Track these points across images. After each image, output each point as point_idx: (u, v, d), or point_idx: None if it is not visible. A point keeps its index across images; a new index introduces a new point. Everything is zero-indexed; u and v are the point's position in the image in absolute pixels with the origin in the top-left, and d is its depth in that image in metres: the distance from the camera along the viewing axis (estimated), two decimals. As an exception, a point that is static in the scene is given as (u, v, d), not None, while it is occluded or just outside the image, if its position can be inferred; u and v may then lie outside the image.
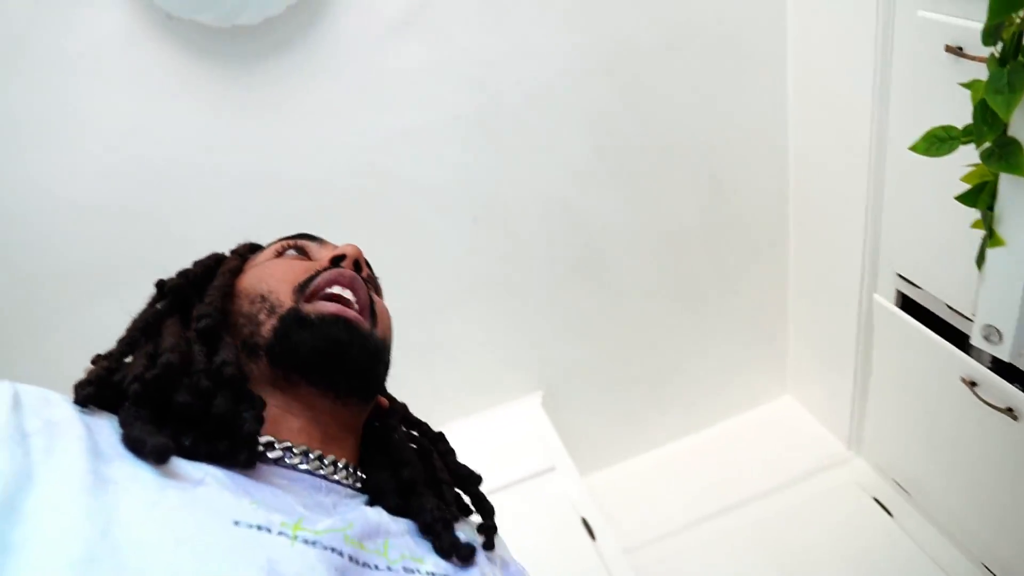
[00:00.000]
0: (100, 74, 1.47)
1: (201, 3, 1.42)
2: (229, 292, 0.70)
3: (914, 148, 1.22)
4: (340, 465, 0.64)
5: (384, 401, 0.82)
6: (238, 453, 0.56)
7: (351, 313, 0.66)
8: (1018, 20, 1.06)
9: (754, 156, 1.94)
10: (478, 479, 0.81)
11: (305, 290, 0.67)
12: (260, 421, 0.58)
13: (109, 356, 0.62)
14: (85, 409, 0.54)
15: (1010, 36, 1.07)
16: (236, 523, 0.48)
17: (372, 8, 1.54)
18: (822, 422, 2.27)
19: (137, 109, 1.51)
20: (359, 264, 0.74)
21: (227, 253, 0.80)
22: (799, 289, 2.14)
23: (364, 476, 0.68)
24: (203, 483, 0.51)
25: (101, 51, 1.45)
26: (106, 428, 0.52)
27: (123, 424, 0.52)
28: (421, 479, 0.73)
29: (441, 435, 0.84)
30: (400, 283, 1.79)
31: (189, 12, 1.44)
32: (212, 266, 0.76)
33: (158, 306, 0.70)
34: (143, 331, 0.65)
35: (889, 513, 1.98)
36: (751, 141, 1.91)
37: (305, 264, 0.73)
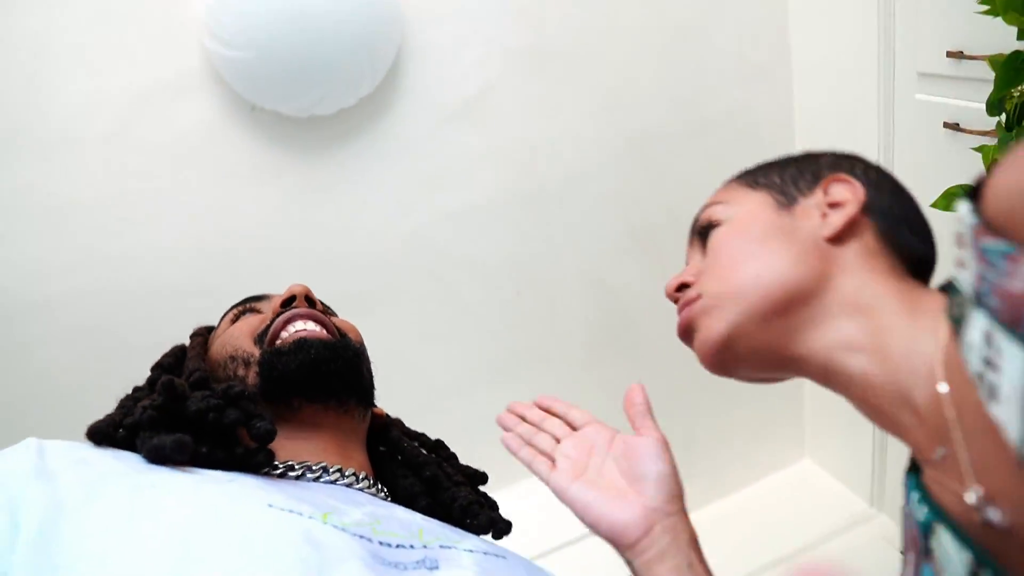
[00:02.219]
0: (187, 159, 1.59)
1: (284, 95, 1.57)
2: (204, 359, 0.74)
3: (935, 205, 1.40)
4: (361, 476, 0.66)
5: (381, 411, 0.86)
6: (256, 454, 0.59)
7: (316, 332, 0.70)
8: (1017, 93, 1.26)
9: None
10: (484, 477, 0.87)
11: (264, 337, 0.71)
12: (273, 426, 0.60)
13: (130, 399, 0.65)
14: (109, 447, 0.57)
15: (1012, 107, 1.26)
16: (270, 506, 0.50)
17: (434, 99, 1.71)
18: (843, 482, 2.35)
19: (220, 193, 1.63)
20: (311, 300, 0.77)
21: (186, 343, 0.83)
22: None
23: (386, 489, 0.71)
24: (234, 480, 0.54)
25: (189, 138, 1.58)
26: (132, 456, 0.55)
27: (142, 444, 0.55)
28: (443, 475, 0.78)
29: (440, 442, 0.89)
30: (445, 353, 1.90)
31: (272, 104, 1.58)
32: (179, 353, 0.79)
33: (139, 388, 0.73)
34: (131, 397, 0.68)
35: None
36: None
37: (259, 317, 0.77)
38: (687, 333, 0.70)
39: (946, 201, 1.41)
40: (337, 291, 1.75)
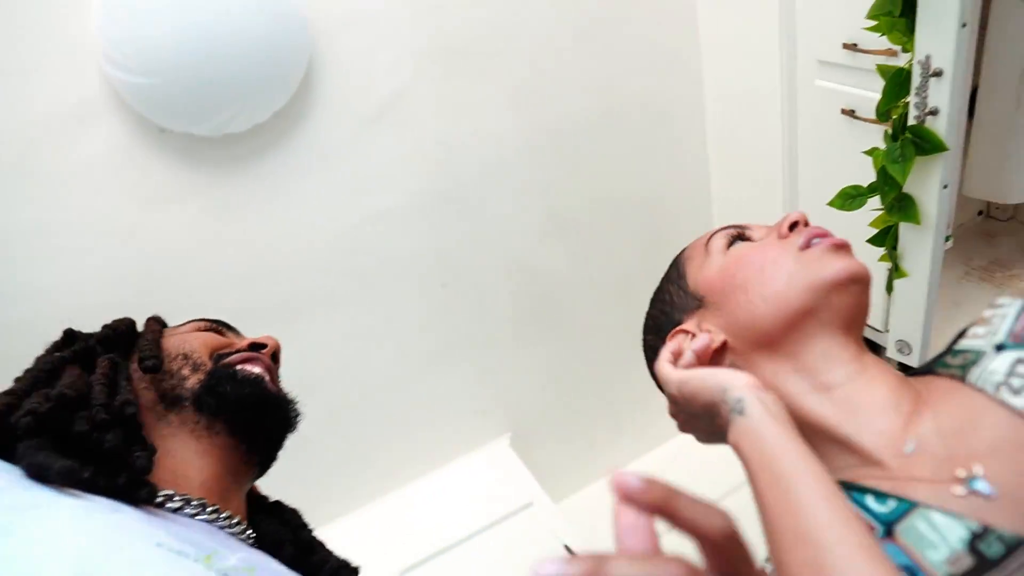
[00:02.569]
0: (97, 186, 1.55)
1: (194, 118, 1.54)
2: (159, 346, 0.75)
3: (831, 204, 1.50)
4: (235, 521, 0.67)
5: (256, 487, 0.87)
6: (138, 487, 0.57)
7: (271, 384, 0.74)
8: (902, 104, 1.34)
9: (683, 211, 2.20)
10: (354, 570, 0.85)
11: (223, 359, 0.73)
12: (151, 460, 0.60)
13: (5, 395, 0.62)
14: None
15: (898, 116, 1.35)
16: (159, 544, 0.49)
17: (349, 106, 1.70)
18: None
19: (133, 217, 1.61)
20: (276, 357, 0.80)
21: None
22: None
23: (255, 535, 0.72)
24: (120, 511, 0.52)
25: (96, 165, 1.54)
26: (7, 466, 0.53)
27: (23, 456, 0.52)
28: (317, 542, 0.80)
29: (296, 511, 0.88)
30: (378, 349, 1.95)
31: (183, 126, 1.55)
32: (131, 325, 0.81)
33: (60, 353, 0.73)
34: (44, 372, 0.67)
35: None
36: (680, 198, 2.18)
37: (225, 339, 0.80)
38: (846, 247, 0.75)
39: (840, 200, 1.50)
40: (266, 301, 1.78)
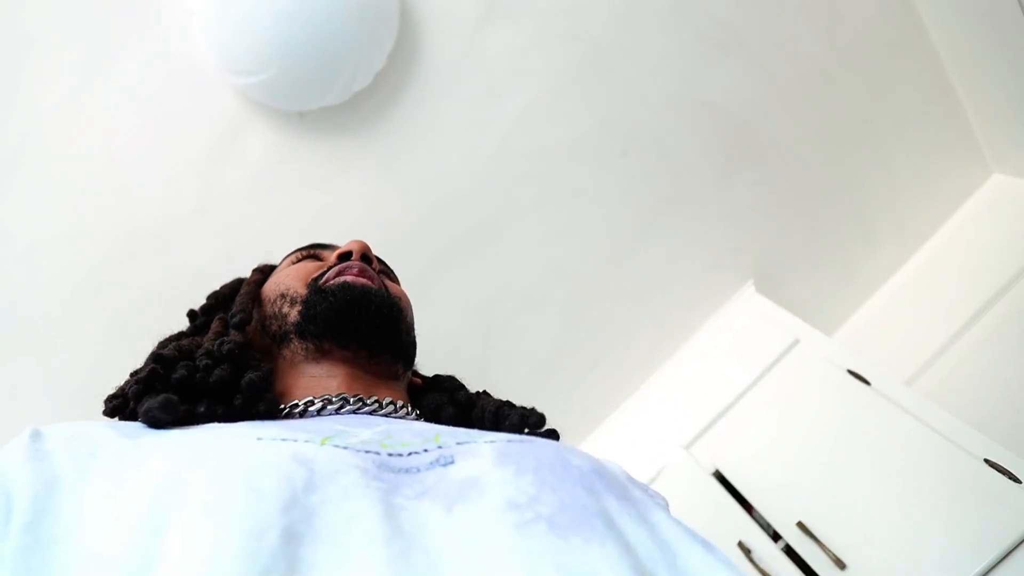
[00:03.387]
0: (268, 187, 1.66)
1: (320, 90, 1.57)
2: (255, 298, 0.77)
3: None
4: (385, 402, 0.66)
5: (418, 380, 0.85)
6: (254, 404, 0.60)
7: (361, 280, 0.72)
8: None
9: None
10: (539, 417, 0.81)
11: (317, 283, 0.73)
12: (266, 375, 0.62)
13: (135, 373, 0.66)
14: (110, 420, 0.58)
15: None
16: (259, 439, 0.49)
17: (456, 15, 1.65)
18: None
19: (316, 200, 1.70)
20: (368, 257, 0.77)
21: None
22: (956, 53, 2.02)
23: (418, 411, 0.71)
24: (226, 426, 0.54)
25: (264, 169, 1.65)
26: (130, 424, 0.56)
27: (138, 414, 0.56)
28: (476, 395, 0.78)
29: (452, 377, 0.86)
30: (581, 243, 1.90)
31: (316, 102, 1.60)
32: (236, 285, 0.84)
33: (182, 331, 0.78)
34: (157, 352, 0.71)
35: None
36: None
37: (316, 264, 0.79)
38: None
39: None
40: (453, 236, 1.80)
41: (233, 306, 0.75)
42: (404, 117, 1.69)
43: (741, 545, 1.62)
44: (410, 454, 0.50)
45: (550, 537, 0.41)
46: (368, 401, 0.65)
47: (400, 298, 0.76)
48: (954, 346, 2.00)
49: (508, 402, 0.72)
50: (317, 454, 0.46)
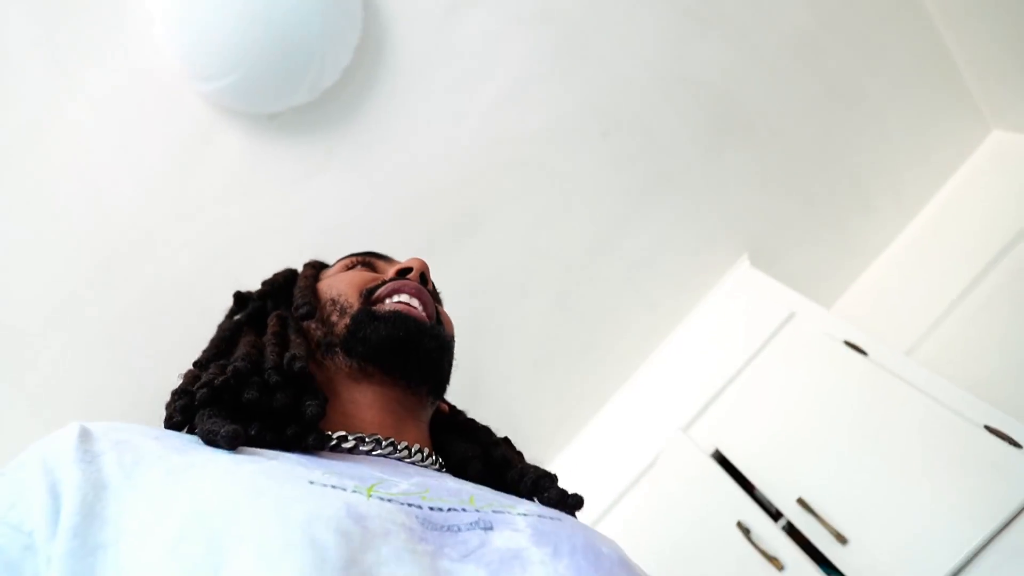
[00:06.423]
0: (246, 190, 1.65)
1: (287, 90, 1.56)
2: (315, 291, 0.75)
3: None
4: (414, 449, 0.66)
5: (445, 407, 0.84)
6: (305, 435, 0.59)
7: (416, 312, 0.70)
8: None
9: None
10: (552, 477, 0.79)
11: (372, 296, 0.71)
12: (323, 408, 0.61)
13: (193, 366, 0.67)
14: (153, 428, 0.57)
15: None
16: (311, 482, 0.49)
17: (420, 6, 1.62)
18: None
19: (299, 197, 1.69)
20: (424, 277, 0.76)
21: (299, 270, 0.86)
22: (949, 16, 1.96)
23: (442, 460, 0.70)
24: (277, 458, 0.53)
25: (237, 174, 1.64)
26: (176, 435, 0.55)
27: (199, 423, 0.56)
28: (512, 455, 0.75)
29: (488, 428, 0.84)
30: (569, 225, 1.87)
31: (284, 103, 1.59)
32: (290, 276, 0.82)
33: (237, 317, 0.76)
34: (223, 341, 0.71)
35: None
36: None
37: (372, 275, 0.77)
38: None
39: None
40: (440, 223, 1.78)
41: (294, 298, 0.74)
42: (376, 112, 1.68)
43: (740, 525, 1.59)
44: (449, 510, 0.52)
45: None
46: (399, 447, 0.65)
47: (448, 330, 0.75)
48: (957, 309, 1.95)
49: (547, 473, 0.70)
50: (368, 510, 0.47)
